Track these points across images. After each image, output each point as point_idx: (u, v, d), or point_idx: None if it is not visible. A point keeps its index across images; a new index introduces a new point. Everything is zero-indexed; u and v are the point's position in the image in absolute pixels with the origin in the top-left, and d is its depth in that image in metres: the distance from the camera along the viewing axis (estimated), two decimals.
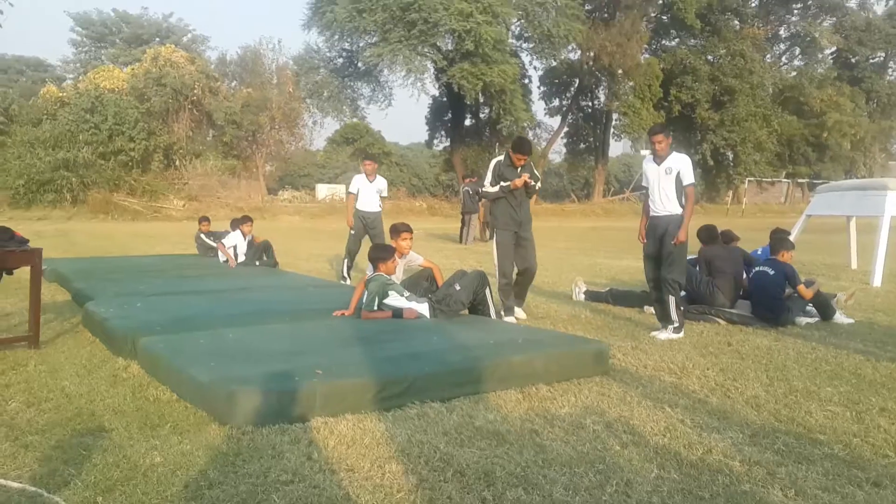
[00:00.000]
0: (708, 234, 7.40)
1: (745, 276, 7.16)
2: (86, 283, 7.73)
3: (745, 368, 4.92)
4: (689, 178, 6.01)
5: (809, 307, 6.90)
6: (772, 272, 6.73)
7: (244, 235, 10.56)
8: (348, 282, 9.17)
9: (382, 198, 9.68)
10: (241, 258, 10.38)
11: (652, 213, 6.22)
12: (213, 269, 9.72)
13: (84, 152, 29.54)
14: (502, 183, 6.73)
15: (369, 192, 9.52)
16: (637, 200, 38.39)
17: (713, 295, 6.92)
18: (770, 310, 6.59)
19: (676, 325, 6.01)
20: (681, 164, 6.02)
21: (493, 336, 5.03)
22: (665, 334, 5.99)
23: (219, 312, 6.01)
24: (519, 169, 6.79)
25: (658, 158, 6.12)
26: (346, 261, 9.48)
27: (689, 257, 6.61)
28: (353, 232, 9.47)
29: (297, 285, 8.37)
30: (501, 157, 6.93)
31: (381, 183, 9.69)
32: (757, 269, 6.94)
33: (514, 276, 6.86)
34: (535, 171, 6.98)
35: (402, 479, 2.92)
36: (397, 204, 35.61)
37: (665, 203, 6.06)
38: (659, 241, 6.11)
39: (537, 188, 6.92)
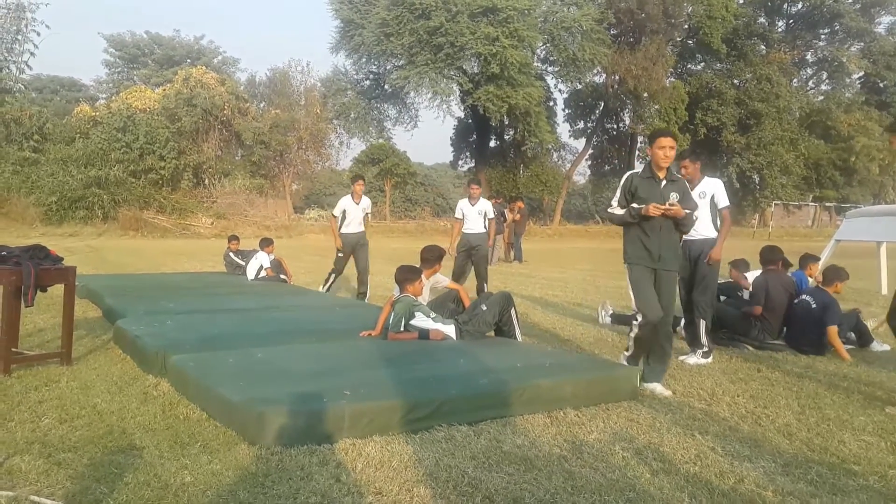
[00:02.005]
0: (773, 255, 7.04)
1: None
2: (117, 299, 7.82)
3: (776, 395, 4.85)
4: (724, 200, 6.05)
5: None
6: (815, 305, 6.49)
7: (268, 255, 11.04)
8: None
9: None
10: (262, 274, 10.77)
11: (685, 238, 6.18)
12: (241, 288, 9.81)
13: (115, 170, 30.04)
14: (633, 205, 4.90)
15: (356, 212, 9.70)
16: None
17: (761, 332, 6.71)
18: (808, 345, 6.43)
19: (706, 349, 5.96)
20: (715, 188, 6.06)
21: (520, 359, 5.01)
22: (694, 359, 5.93)
23: (247, 331, 6.06)
24: (663, 183, 4.90)
25: (690, 183, 6.09)
26: None
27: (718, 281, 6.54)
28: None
29: (324, 305, 8.40)
30: (639, 170, 5.12)
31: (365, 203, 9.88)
32: (800, 297, 6.72)
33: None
34: (692, 197, 5.16)
35: (431, 503, 2.91)
36: (422, 224, 35.75)
37: (699, 227, 6.02)
38: (693, 264, 6.08)
39: (695, 219, 5.17)
